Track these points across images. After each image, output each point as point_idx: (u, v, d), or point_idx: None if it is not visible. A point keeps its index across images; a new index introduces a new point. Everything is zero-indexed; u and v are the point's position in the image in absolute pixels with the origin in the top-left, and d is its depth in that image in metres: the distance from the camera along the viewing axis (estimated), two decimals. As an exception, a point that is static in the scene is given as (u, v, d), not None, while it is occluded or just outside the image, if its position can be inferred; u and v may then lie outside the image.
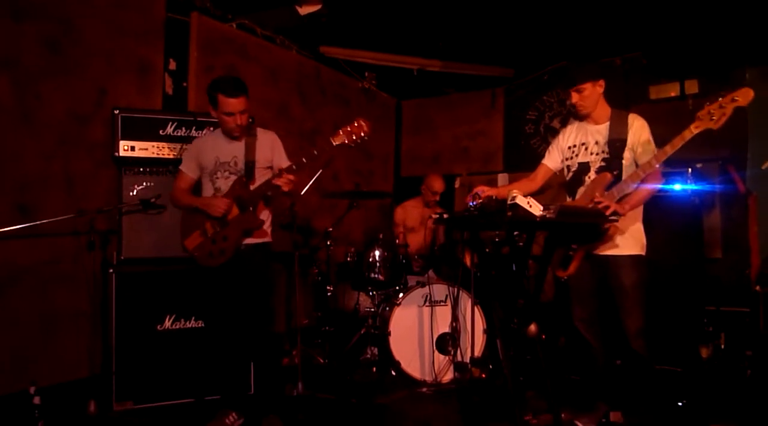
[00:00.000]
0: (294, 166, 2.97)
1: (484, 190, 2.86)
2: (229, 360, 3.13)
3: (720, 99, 2.54)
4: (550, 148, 3.22)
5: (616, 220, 2.75)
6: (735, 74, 4.76)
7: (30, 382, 2.82)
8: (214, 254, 3.04)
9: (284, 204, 3.67)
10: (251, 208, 3.06)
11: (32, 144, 3.36)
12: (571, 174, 3.05)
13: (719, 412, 3.24)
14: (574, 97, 2.94)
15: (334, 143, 2.96)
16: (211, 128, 3.52)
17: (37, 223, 3.11)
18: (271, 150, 3.20)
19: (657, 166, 2.70)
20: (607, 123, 2.96)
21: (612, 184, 2.83)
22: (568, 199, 3.05)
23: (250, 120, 3.12)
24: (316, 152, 2.96)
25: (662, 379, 3.79)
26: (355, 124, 2.97)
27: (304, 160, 2.96)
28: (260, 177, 3.11)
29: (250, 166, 3.09)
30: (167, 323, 3.40)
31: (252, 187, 3.07)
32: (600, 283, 2.98)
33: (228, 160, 3.11)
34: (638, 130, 2.89)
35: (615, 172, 2.85)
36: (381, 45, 5.58)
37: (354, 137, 2.96)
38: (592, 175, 2.94)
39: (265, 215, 3.18)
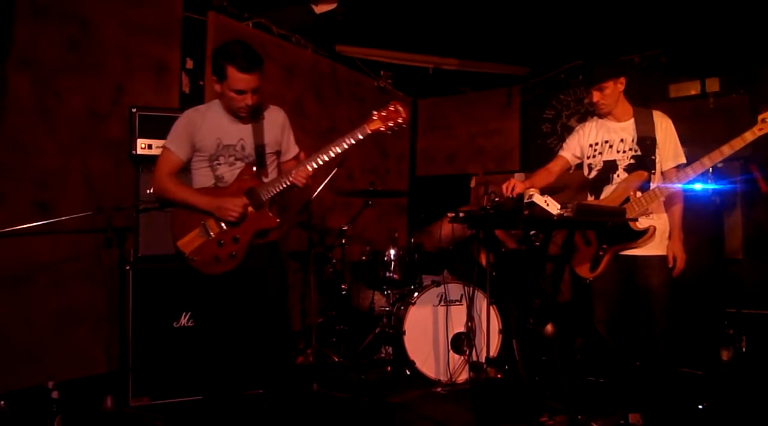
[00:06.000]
0: (324, 156, 2.62)
1: (514, 186, 2.79)
2: (241, 359, 2.85)
3: None
4: (568, 140, 3.15)
5: (636, 220, 2.72)
6: (758, 72, 4.67)
7: (48, 377, 2.84)
8: (222, 259, 2.59)
9: (299, 201, 3.51)
10: (267, 206, 2.64)
11: (51, 141, 3.40)
12: (595, 172, 2.99)
13: (740, 416, 3.18)
14: (596, 96, 2.90)
15: (368, 130, 2.63)
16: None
17: (56, 220, 3.15)
18: (281, 131, 2.78)
19: (709, 166, 2.65)
20: (631, 120, 2.92)
21: (648, 183, 2.79)
22: (590, 198, 3.01)
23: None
24: (348, 140, 2.62)
25: (682, 381, 3.73)
26: (391, 109, 2.66)
27: (336, 148, 2.61)
28: (269, 164, 2.76)
29: (260, 151, 2.65)
30: (183, 320, 3.41)
31: (265, 179, 2.68)
32: (624, 283, 2.93)
33: (233, 143, 2.64)
34: (666, 130, 2.86)
35: (653, 172, 2.81)
36: (397, 44, 5.56)
37: (391, 124, 2.65)
38: (620, 173, 2.89)
39: (276, 212, 2.78)
